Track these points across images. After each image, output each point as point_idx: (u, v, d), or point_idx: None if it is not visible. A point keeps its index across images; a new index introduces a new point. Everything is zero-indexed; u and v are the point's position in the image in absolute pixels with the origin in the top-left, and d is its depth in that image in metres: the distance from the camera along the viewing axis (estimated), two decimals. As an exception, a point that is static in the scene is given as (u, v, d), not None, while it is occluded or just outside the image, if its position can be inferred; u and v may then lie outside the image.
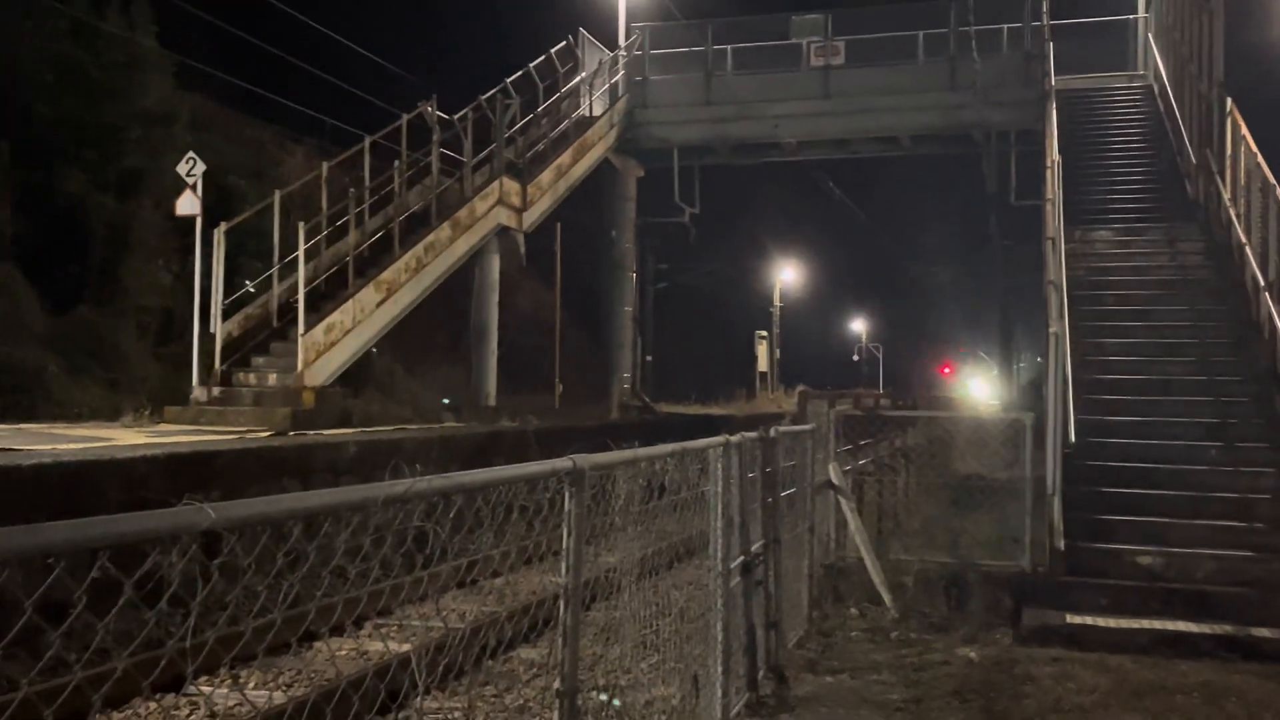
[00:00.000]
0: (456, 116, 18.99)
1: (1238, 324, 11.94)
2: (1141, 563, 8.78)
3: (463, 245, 18.49)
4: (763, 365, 42.68)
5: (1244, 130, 12.64)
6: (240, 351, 15.31)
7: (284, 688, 6.82)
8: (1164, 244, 14.24)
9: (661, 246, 30.67)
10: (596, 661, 4.92)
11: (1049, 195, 13.12)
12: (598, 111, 24.52)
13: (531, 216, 20.88)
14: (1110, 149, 17.68)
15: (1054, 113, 16.53)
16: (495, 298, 20.24)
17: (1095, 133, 18.29)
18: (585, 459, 3.62)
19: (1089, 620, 8.18)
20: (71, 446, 9.50)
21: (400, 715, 5.92)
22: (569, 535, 3.56)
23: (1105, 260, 13.97)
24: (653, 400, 27.49)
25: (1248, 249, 12.15)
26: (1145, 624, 8.03)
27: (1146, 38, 22.56)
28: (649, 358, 29.08)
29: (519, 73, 21.58)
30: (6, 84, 18.17)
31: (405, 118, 17.96)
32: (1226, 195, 13.41)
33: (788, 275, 48.47)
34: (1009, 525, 9.75)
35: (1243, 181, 12.62)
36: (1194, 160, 15.63)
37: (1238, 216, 12.82)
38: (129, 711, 6.19)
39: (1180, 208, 15.35)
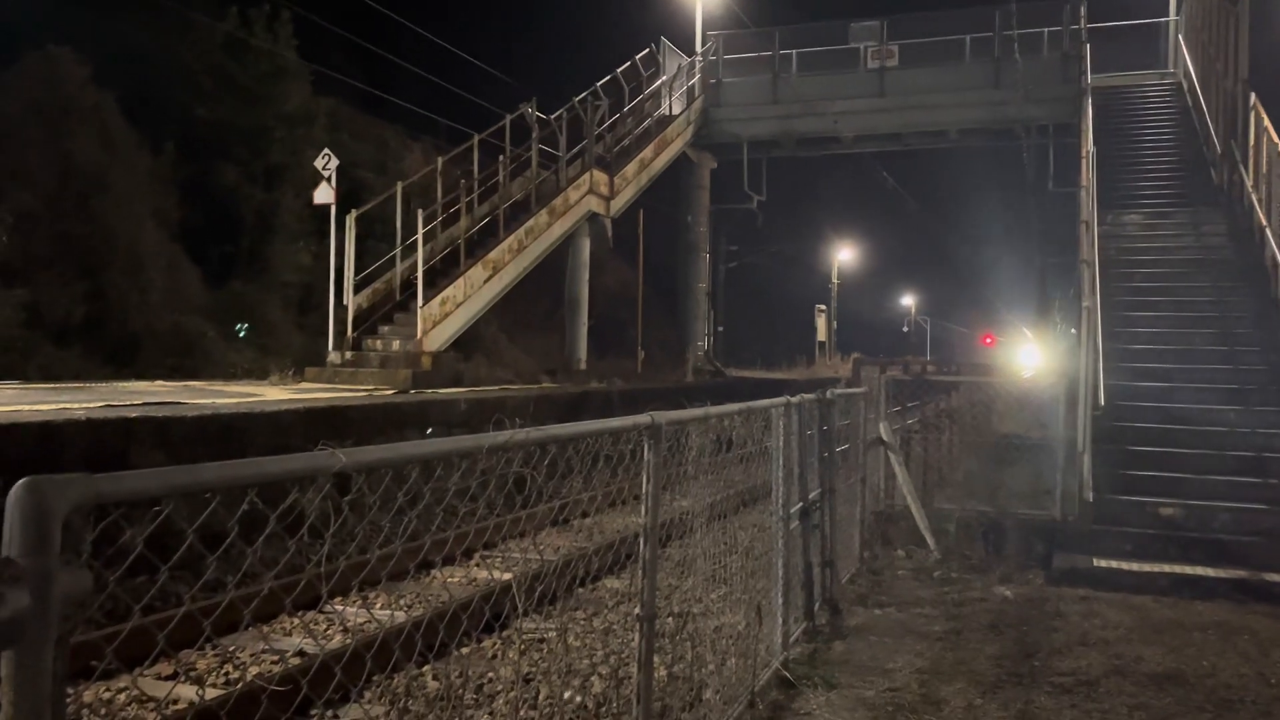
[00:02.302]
0: (553, 116, 19.01)
1: (1257, 300, 11.51)
2: (1163, 513, 8.56)
3: (558, 229, 18.54)
4: (821, 335, 42.25)
5: (1266, 122, 12.13)
6: (368, 321, 15.59)
7: (405, 608, 6.98)
8: (1189, 227, 13.74)
9: (732, 230, 30.50)
10: (672, 591, 4.95)
11: (1084, 182, 12.75)
12: (676, 110, 24.36)
13: (618, 204, 20.86)
14: (1141, 140, 17.07)
15: (1089, 108, 16.01)
16: (586, 275, 20.30)
17: (1128, 126, 17.67)
18: (663, 415, 3.63)
19: (1114, 564, 8.01)
20: (227, 401, 9.77)
21: (503, 634, 6.04)
22: (648, 482, 3.58)
23: (1135, 241, 13.53)
24: (723, 365, 27.39)
25: (1268, 231, 11.69)
26: (1165, 568, 7.84)
27: (1177, 38, 21.69)
28: (720, 328, 28.97)
29: (607, 77, 21.52)
30: (172, 91, 18.65)
31: (509, 118, 18.03)
32: (1249, 182, 12.89)
33: (844, 255, 47.80)
34: (1042, 479, 9.56)
35: (1264, 169, 12.13)
36: (1219, 150, 15.03)
37: (1259, 201, 12.33)
38: (275, 625, 6.38)
39: (1205, 194, 14.79)
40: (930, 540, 8.84)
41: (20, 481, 1.35)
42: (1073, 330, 12.03)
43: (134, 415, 7.66)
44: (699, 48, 25.96)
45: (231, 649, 5.81)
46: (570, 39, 45.13)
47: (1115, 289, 11.85)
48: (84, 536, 1.42)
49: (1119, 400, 9.72)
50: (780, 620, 5.48)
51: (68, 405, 8.41)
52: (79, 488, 1.40)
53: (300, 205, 18.80)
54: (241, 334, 16.98)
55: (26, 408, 8.04)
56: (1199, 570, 7.77)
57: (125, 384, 12.77)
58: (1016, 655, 6.00)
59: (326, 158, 14.78)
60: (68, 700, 1.38)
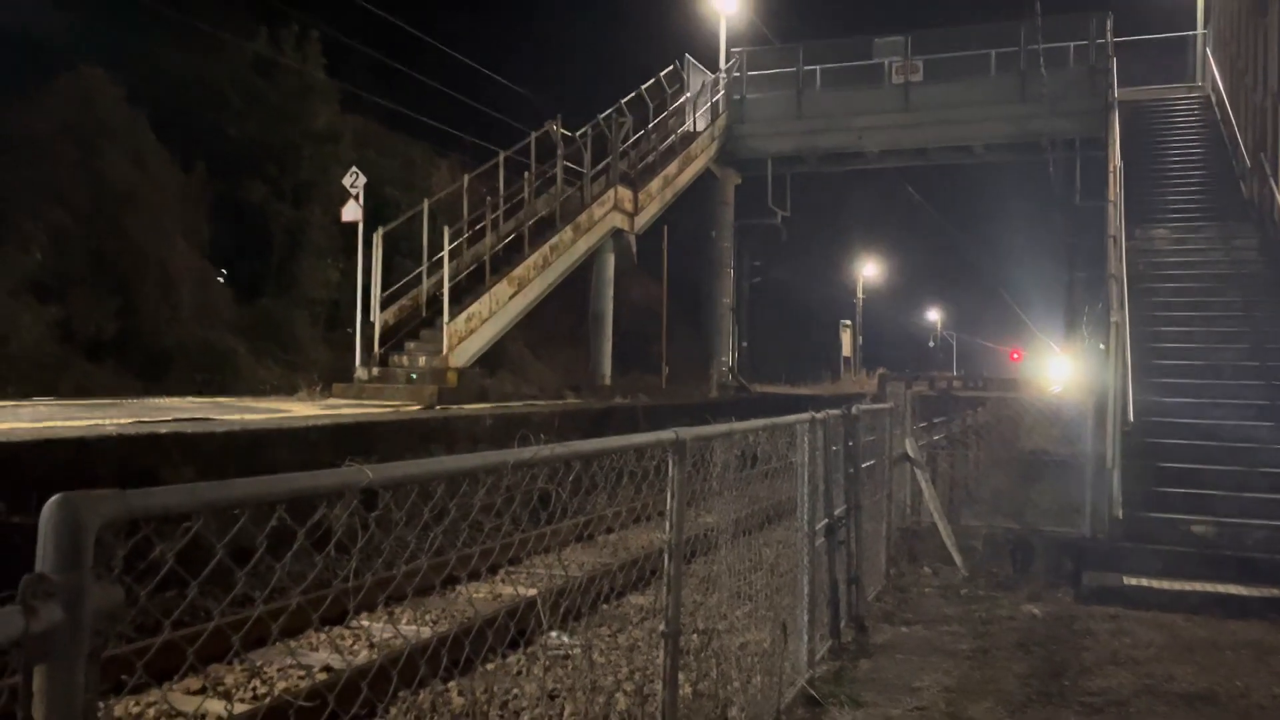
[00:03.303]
0: (578, 133, 19.10)
1: (1289, 314, 11.38)
2: (1194, 531, 8.45)
3: (583, 245, 18.60)
4: (846, 350, 42.18)
5: (1298, 135, 12.02)
6: (395, 337, 15.66)
7: (431, 624, 6.99)
8: (1219, 240, 13.61)
9: (756, 245, 30.42)
10: (697, 608, 4.93)
11: (1111, 197, 12.67)
12: (700, 127, 24.41)
13: (642, 220, 20.90)
14: (1169, 154, 16.95)
15: (1116, 121, 15.93)
16: (610, 291, 20.34)
17: (1155, 139, 17.55)
18: (687, 431, 3.62)
19: (1144, 582, 7.91)
20: (256, 416, 9.85)
21: (528, 650, 6.04)
22: (672, 498, 3.58)
23: (1164, 255, 13.41)
24: (747, 381, 27.33)
25: (1300, 245, 11.57)
26: (1197, 586, 7.73)
27: (1205, 52, 21.55)
28: (744, 344, 28.90)
29: (632, 94, 21.60)
30: (202, 110, 18.90)
31: (534, 135, 18.13)
32: (1279, 195, 12.76)
33: (869, 270, 47.74)
34: (1071, 496, 9.47)
35: (1296, 182, 12.01)
36: (1249, 163, 14.89)
37: (1290, 215, 12.20)
38: (302, 640, 6.41)
39: (1235, 208, 14.64)
40: (957, 557, 8.76)
41: (53, 498, 1.37)
42: (1101, 345, 11.92)
43: (164, 431, 7.74)
44: (723, 64, 26.04)
45: (259, 663, 5.84)
46: (595, 57, 45.38)
47: (1144, 303, 11.75)
48: (115, 552, 1.44)
49: (1148, 416, 9.62)
50: (806, 638, 5.45)
51: (100, 421, 8.51)
52: (111, 504, 1.42)
53: (328, 222, 18.97)
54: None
55: (60, 424, 8.15)
56: (1231, 589, 7.65)
57: (156, 400, 12.90)
58: (1045, 674, 5.93)
59: (354, 175, 14.90)
60: (98, 714, 1.39)
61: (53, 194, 15.51)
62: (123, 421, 8.50)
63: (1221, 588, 7.68)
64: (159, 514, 1.53)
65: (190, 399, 13.40)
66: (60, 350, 14.51)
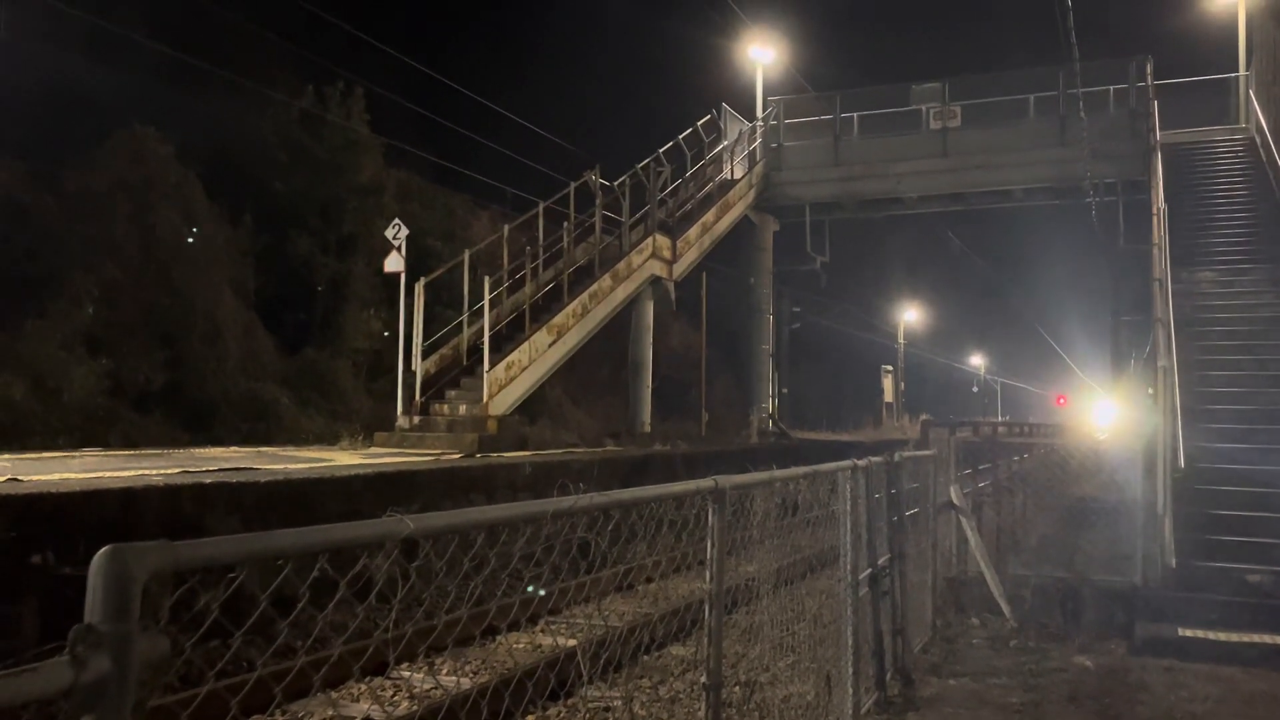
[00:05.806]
0: (616, 183, 19.27)
1: (1344, 356, 11.12)
2: (1250, 580, 8.22)
3: (621, 293, 18.70)
4: (888, 396, 41.82)
5: (1345, 175, 11.84)
6: (436, 386, 15.78)
7: (471, 674, 6.96)
8: (1268, 283, 13.38)
9: (795, 291, 30.45)
10: (739, 659, 4.87)
11: (1155, 240, 12.53)
12: (738, 174, 24.55)
13: (680, 267, 20.99)
14: (1214, 196, 16.75)
15: (1159, 164, 15.80)
16: (649, 338, 20.37)
17: (1199, 181, 17.37)
18: (727, 479, 3.61)
19: (1200, 633, 7.69)
20: (299, 466, 9.94)
21: (568, 702, 5.99)
22: (712, 547, 3.55)
23: (1211, 299, 13.20)
24: (788, 428, 27.16)
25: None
26: (1255, 638, 7.50)
27: (1248, 93, 21.37)
28: (784, 390, 28.79)
29: (669, 143, 21.80)
30: (250, 165, 19.36)
31: (573, 185, 18.32)
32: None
33: (910, 314, 47.43)
34: (1121, 544, 9.26)
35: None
36: (1297, 204, 14.69)
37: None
38: (343, 691, 6.41)
39: (1284, 249, 14.41)
40: (1005, 607, 8.59)
41: (102, 550, 1.40)
42: (1149, 390, 11.71)
43: (209, 481, 7.84)
44: (760, 113, 26.25)
45: (301, 715, 5.84)
46: (634, 107, 45.97)
47: (1193, 347, 11.56)
48: (162, 602, 1.46)
49: (1200, 462, 9.43)
50: (850, 690, 5.35)
51: (146, 471, 8.64)
52: (159, 555, 1.44)
53: (371, 273, 19.26)
54: None
55: (108, 474, 8.28)
56: (1292, 640, 7.42)
57: (201, 450, 13.08)
58: (1099, 729, 5.77)
59: (396, 227, 15.13)
60: (143, 765, 1.40)
61: (105, 249, 15.91)
62: (169, 472, 8.62)
63: (1281, 639, 7.45)
64: (205, 565, 1.56)
65: (235, 449, 13.57)
66: (109, 402, 14.78)
